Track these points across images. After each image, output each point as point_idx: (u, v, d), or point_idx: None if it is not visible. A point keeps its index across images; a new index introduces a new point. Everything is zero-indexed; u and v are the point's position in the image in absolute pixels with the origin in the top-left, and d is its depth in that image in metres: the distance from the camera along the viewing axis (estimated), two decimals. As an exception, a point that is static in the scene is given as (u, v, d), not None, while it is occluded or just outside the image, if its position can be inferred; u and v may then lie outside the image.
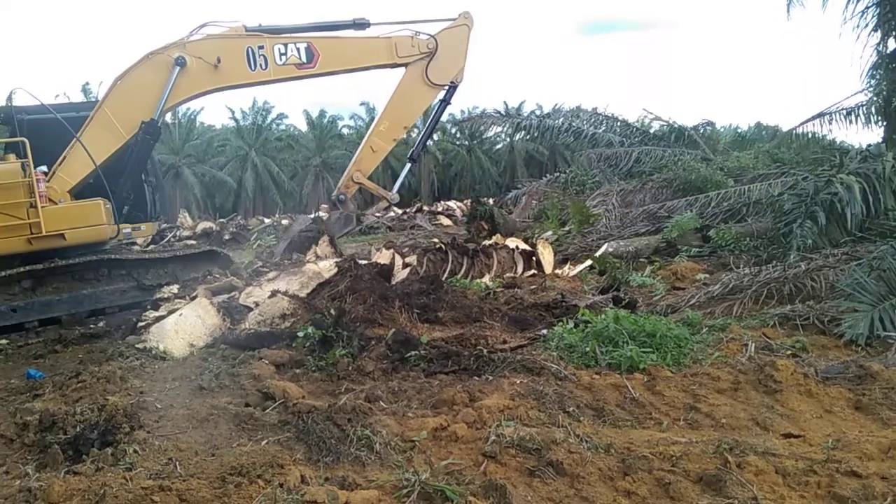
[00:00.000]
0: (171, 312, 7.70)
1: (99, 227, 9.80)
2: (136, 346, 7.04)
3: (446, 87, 11.69)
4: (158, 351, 6.81)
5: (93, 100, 12.22)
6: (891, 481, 3.54)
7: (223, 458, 4.03)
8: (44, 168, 9.97)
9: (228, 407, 4.98)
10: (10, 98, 11.17)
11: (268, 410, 4.93)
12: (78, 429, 4.53)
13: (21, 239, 9.40)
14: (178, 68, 10.31)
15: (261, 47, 10.67)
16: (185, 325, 7.25)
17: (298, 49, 10.83)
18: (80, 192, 10.33)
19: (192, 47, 10.51)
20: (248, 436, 4.50)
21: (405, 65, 11.46)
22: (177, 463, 4.02)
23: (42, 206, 9.44)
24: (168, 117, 12.74)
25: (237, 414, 4.83)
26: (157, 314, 8.01)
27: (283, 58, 10.76)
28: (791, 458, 3.84)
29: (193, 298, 8.04)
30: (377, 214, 12.84)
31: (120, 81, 10.43)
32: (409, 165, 13.14)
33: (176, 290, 9.44)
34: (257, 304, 7.99)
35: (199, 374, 5.97)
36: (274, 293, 8.00)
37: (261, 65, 10.71)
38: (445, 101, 11.94)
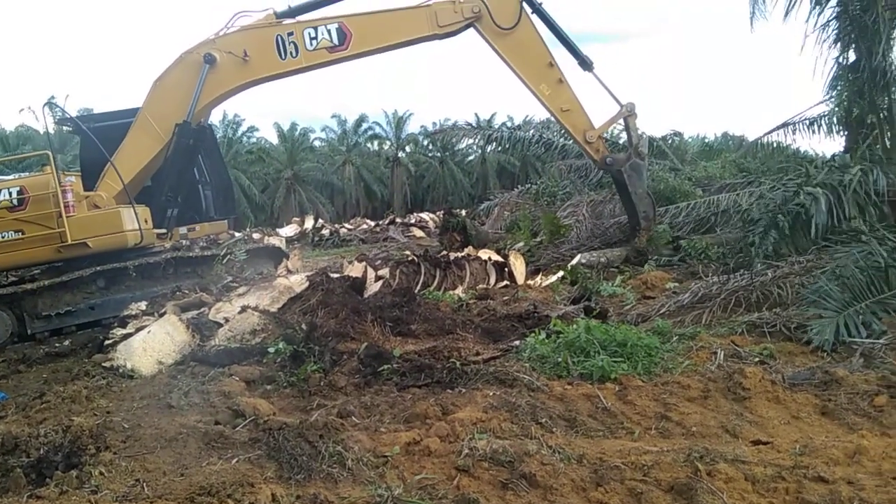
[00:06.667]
0: (138, 329, 7.57)
1: (121, 234, 9.98)
2: (103, 364, 6.88)
3: (519, 13, 10.65)
4: (126, 369, 6.67)
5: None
6: (857, 486, 3.60)
7: (192, 477, 3.97)
8: (71, 178, 10.13)
9: (198, 425, 4.90)
10: (61, 109, 11.10)
11: (238, 428, 4.87)
12: (41, 451, 4.40)
13: (52, 248, 9.77)
14: (206, 66, 10.17)
15: (290, 34, 10.31)
16: (153, 343, 7.12)
17: (329, 31, 10.35)
18: (136, 197, 10.58)
19: (222, 42, 10.32)
20: (218, 454, 4.43)
21: (451, 34, 10.70)
22: (144, 484, 3.94)
23: (67, 216, 9.67)
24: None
25: (207, 432, 4.75)
26: (124, 331, 7.86)
27: (314, 42, 10.35)
28: (760, 464, 3.89)
29: (162, 315, 7.93)
30: (642, 133, 12.16)
31: (157, 84, 10.36)
32: (591, 70, 11.79)
33: (144, 307, 9.31)
34: (227, 320, 7.88)
35: (167, 392, 5.87)
36: (244, 308, 7.91)
37: (291, 52, 10.35)
38: (536, 10, 10.93)
